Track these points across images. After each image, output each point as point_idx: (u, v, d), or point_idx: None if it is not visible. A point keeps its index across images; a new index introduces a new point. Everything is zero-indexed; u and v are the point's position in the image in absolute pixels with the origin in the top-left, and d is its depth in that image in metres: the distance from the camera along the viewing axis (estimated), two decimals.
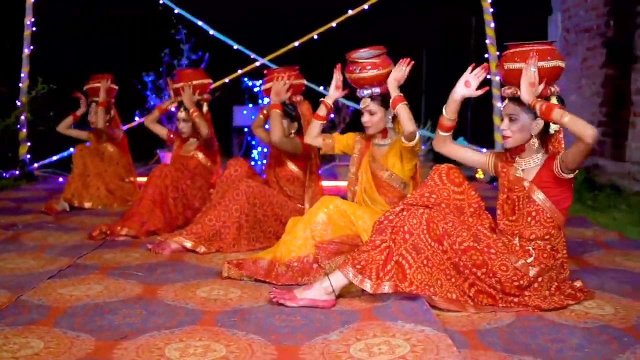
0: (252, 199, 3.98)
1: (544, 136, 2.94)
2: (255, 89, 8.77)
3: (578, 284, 3.01)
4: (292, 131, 4.22)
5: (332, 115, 8.05)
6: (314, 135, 3.80)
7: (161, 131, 5.22)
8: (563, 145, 2.96)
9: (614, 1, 6.46)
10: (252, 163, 8.64)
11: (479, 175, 7.19)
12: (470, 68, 2.96)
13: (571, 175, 2.77)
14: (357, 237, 3.40)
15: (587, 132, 2.57)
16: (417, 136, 3.35)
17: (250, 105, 9.01)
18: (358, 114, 7.92)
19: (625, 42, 6.21)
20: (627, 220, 4.92)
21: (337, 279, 2.85)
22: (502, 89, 2.94)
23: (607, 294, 3.04)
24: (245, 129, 9.54)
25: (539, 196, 2.83)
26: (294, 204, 4.22)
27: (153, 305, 2.84)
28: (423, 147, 7.79)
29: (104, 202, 5.61)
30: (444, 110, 3.04)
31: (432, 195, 2.92)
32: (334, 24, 7.53)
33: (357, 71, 3.48)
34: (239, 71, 7.75)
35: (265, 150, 8.56)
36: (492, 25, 7.33)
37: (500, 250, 2.81)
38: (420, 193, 2.93)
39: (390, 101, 3.40)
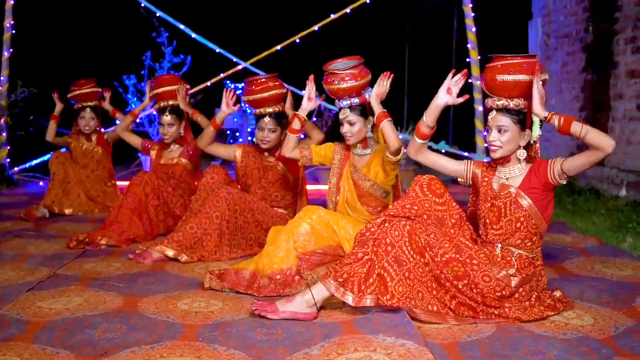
0: (233, 205, 3.97)
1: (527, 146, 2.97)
2: (238, 92, 8.74)
3: (557, 293, 3.04)
4: (283, 138, 4.23)
5: (314, 119, 8.07)
6: (290, 149, 3.80)
7: (135, 140, 5.16)
8: (539, 153, 3.01)
9: (593, 7, 6.52)
10: (233, 165, 8.62)
11: (461, 179, 7.20)
12: (450, 75, 2.97)
13: (564, 182, 2.81)
14: (339, 248, 3.41)
15: (609, 142, 2.64)
16: (402, 151, 3.36)
17: (233, 107, 8.96)
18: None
19: (604, 48, 6.27)
20: (606, 226, 4.97)
21: (319, 292, 2.85)
22: (490, 100, 2.95)
23: (586, 303, 3.07)
24: (228, 132, 9.55)
25: (525, 202, 2.86)
26: (275, 210, 4.21)
27: (134, 319, 2.82)
28: (404, 150, 7.80)
29: (85, 208, 5.57)
30: (424, 116, 3.05)
31: (414, 206, 2.93)
32: (316, 28, 7.53)
33: (336, 82, 3.48)
34: (221, 74, 7.72)
35: None
36: (474, 29, 7.37)
37: (482, 261, 2.83)
38: (402, 204, 2.94)
39: (374, 118, 3.41)
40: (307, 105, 3.72)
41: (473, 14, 7.38)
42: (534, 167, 2.89)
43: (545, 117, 2.76)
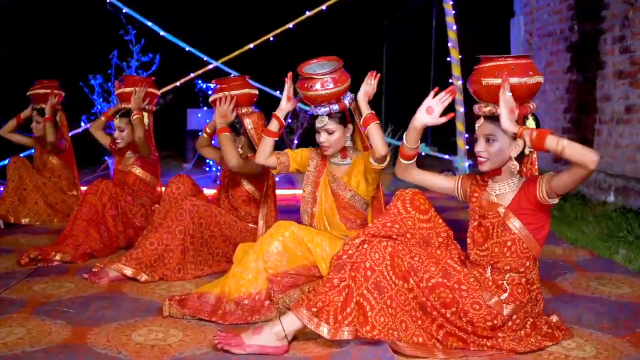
0: (198, 218, 3.64)
1: (519, 158, 2.68)
2: (210, 92, 8.41)
3: (554, 318, 2.76)
4: (240, 145, 3.87)
5: (289, 120, 7.74)
6: (266, 154, 3.38)
7: (104, 140, 4.81)
8: (536, 167, 2.70)
9: (578, 5, 6.28)
10: (207, 169, 8.29)
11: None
12: (432, 93, 2.66)
13: (556, 201, 2.50)
14: (314, 267, 3.10)
15: (590, 157, 2.27)
16: (388, 159, 3.06)
17: (205, 108, 8.66)
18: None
19: (590, 47, 6.03)
20: (596, 234, 4.72)
21: (291, 323, 2.53)
22: (477, 106, 2.65)
23: (585, 329, 2.79)
24: (200, 133, 9.19)
25: (515, 224, 2.56)
26: (244, 223, 3.89)
27: (80, 355, 2.49)
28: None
29: (43, 217, 5.21)
30: (404, 138, 2.75)
31: (395, 224, 2.63)
32: (291, 25, 7.20)
33: (313, 88, 3.13)
34: (191, 74, 7.36)
35: None
36: (455, 27, 7.10)
37: (472, 287, 2.54)
38: (382, 222, 2.63)
39: (361, 120, 3.10)
40: (286, 105, 3.33)
41: (454, 12, 7.10)
42: (525, 183, 2.59)
43: (515, 134, 2.45)
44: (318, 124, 3.21)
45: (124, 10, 7.20)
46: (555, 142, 2.33)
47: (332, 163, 3.37)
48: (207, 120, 8.62)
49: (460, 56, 7.10)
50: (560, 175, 2.42)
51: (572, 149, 2.31)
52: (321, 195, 3.37)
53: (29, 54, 8.50)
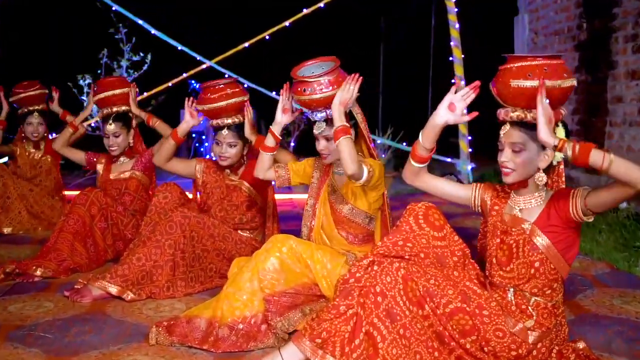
0: (189, 231, 3.36)
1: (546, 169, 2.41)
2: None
3: (581, 345, 2.49)
4: (245, 152, 3.64)
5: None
6: (265, 169, 3.21)
7: (77, 156, 4.47)
8: (564, 179, 2.43)
9: (587, 2, 6.02)
10: None
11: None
12: (453, 88, 2.39)
13: (591, 219, 2.23)
14: (314, 286, 2.84)
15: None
16: (365, 173, 2.79)
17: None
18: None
19: (601, 46, 5.78)
20: (611, 244, 4.46)
21: (292, 355, 2.27)
22: (503, 110, 2.37)
23: (617, 357, 2.53)
24: (194, 134, 8.90)
25: (542, 242, 2.30)
26: (239, 234, 3.61)
27: None
28: (383, 155, 7.27)
29: (26, 226, 4.93)
30: (420, 136, 2.48)
31: (408, 243, 2.36)
32: (287, 23, 6.91)
33: (308, 92, 2.86)
34: (184, 74, 7.07)
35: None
36: (457, 26, 6.84)
37: (494, 312, 2.27)
38: (393, 241, 2.36)
39: (332, 130, 2.81)
40: (282, 118, 3.10)
41: (456, 10, 6.84)
42: (555, 198, 2.32)
43: (555, 146, 2.16)
44: (316, 131, 2.96)
45: (113, 8, 6.91)
46: (601, 158, 2.04)
47: (334, 173, 3.11)
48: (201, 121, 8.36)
49: (462, 56, 6.83)
50: (599, 192, 2.15)
51: (622, 165, 2.03)
52: (320, 208, 3.11)
53: (29, 54, 8.22)
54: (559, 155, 2.35)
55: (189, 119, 3.63)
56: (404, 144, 7.24)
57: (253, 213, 3.66)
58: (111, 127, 4.13)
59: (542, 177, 2.33)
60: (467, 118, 2.38)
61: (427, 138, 2.44)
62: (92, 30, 7.74)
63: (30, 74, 5.36)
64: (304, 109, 3.06)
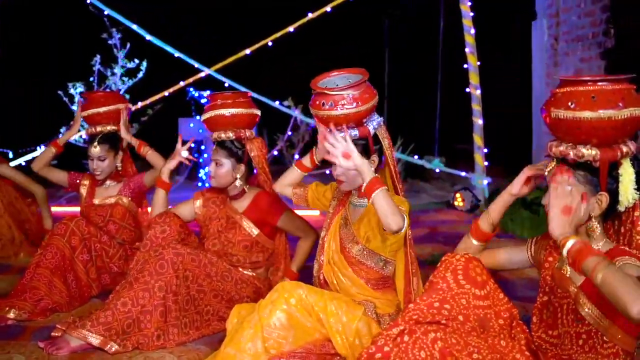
0: (183, 270, 2.93)
1: (608, 216, 2.00)
2: (203, 100, 7.77)
3: None
4: (238, 175, 3.22)
5: (289, 133, 7.08)
6: (285, 184, 2.94)
7: (59, 176, 3.94)
8: (639, 229, 2.00)
9: (614, 7, 5.60)
10: (199, 184, 7.63)
11: (458, 203, 6.26)
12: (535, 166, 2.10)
13: None
14: (327, 343, 2.41)
15: (631, 302, 1.61)
16: (405, 223, 2.36)
17: (198, 117, 7.99)
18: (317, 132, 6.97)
19: (629, 54, 5.36)
20: None
21: None
22: (550, 143, 1.97)
23: None
24: (193, 145, 8.52)
25: (589, 312, 1.89)
26: (239, 272, 3.18)
27: None
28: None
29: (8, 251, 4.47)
30: (488, 211, 2.15)
31: (445, 304, 1.94)
32: (291, 29, 6.49)
33: (326, 107, 2.47)
34: (181, 83, 6.66)
35: None
36: (473, 31, 6.40)
37: None
38: (428, 302, 1.95)
39: (363, 186, 2.35)
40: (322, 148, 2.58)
41: (472, 14, 6.40)
42: (613, 253, 1.90)
43: (557, 240, 1.81)
44: None
45: (105, 12, 6.50)
46: (592, 266, 1.70)
47: (350, 204, 2.70)
48: (200, 130, 7.96)
49: (479, 62, 6.40)
50: None
51: (610, 284, 1.67)
52: (329, 241, 2.69)
53: (29, 54, 7.85)
54: (628, 199, 1.94)
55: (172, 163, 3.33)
56: (415, 156, 6.83)
57: (253, 253, 3.25)
58: (96, 150, 3.68)
59: (596, 227, 1.95)
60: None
61: (495, 212, 2.17)
62: (85, 35, 7.37)
63: (44, 74, 4.94)
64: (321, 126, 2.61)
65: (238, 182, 3.21)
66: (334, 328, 2.39)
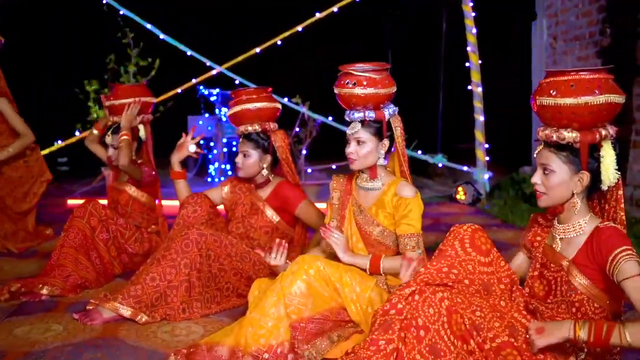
0: (206, 250, 3.16)
1: (593, 193, 2.23)
2: (212, 98, 7.97)
3: None
4: (265, 165, 3.45)
5: (297, 129, 7.29)
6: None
7: (101, 152, 4.30)
8: (622, 206, 2.24)
9: (610, 7, 5.83)
10: (209, 180, 7.84)
11: (460, 196, 6.48)
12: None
13: None
14: (343, 311, 2.64)
15: None
16: (419, 252, 2.75)
17: (207, 115, 8.19)
18: (325, 128, 7.17)
19: (625, 52, 5.58)
20: None
21: None
22: (538, 128, 2.21)
23: None
24: (202, 141, 8.72)
25: (582, 282, 2.13)
26: (257, 255, 3.39)
27: None
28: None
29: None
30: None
31: (453, 269, 2.17)
32: (299, 28, 6.73)
33: (350, 85, 2.72)
34: (193, 80, 6.89)
35: (224, 166, 7.76)
36: (474, 31, 6.63)
37: (545, 348, 2.07)
38: (438, 267, 2.17)
39: (367, 267, 2.76)
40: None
41: (474, 14, 6.64)
42: (596, 235, 2.13)
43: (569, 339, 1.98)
44: (349, 131, 2.80)
45: (121, 12, 6.74)
46: (619, 337, 1.90)
47: (358, 187, 2.92)
48: (209, 128, 8.18)
49: (480, 61, 6.63)
50: (631, 298, 1.99)
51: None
52: (347, 229, 2.91)
53: (28, 54, 8.05)
54: (609, 179, 2.17)
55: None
56: (419, 152, 7.05)
57: (273, 239, 3.46)
58: (109, 139, 4.00)
59: (576, 203, 2.17)
60: None
61: None
62: (99, 34, 7.57)
63: (45, 74, 5.15)
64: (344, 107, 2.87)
65: (265, 172, 3.45)
66: (349, 297, 2.62)
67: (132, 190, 4.01)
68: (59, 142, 6.84)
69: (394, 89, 2.79)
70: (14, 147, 4.53)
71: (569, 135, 2.11)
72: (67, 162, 8.53)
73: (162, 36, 6.67)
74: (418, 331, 2.02)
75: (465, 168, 6.95)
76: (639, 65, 5.42)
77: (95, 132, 4.34)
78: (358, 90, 2.70)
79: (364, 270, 2.74)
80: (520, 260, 2.47)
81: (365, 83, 2.70)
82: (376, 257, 2.74)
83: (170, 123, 8.20)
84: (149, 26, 6.68)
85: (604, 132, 2.14)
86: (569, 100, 2.07)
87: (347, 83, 2.72)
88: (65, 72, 7.25)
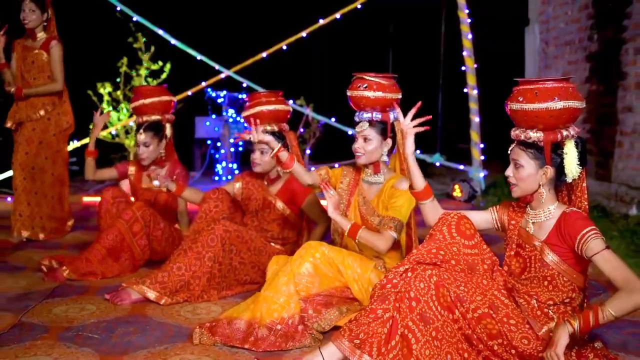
0: (229, 245, 3.49)
1: (560, 185, 2.58)
2: (219, 100, 8.31)
3: (599, 345, 2.65)
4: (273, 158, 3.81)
5: (301, 130, 7.66)
6: (305, 181, 3.31)
7: (110, 174, 4.47)
8: (586, 196, 2.59)
9: (598, 14, 6.18)
10: (216, 178, 8.16)
11: (456, 193, 6.83)
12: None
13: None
14: (346, 289, 3.02)
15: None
16: (395, 234, 3.05)
17: (214, 117, 8.53)
18: (328, 128, 7.50)
19: (611, 58, 5.94)
20: (623, 251, 4.61)
21: (332, 354, 2.44)
22: (512, 129, 2.57)
23: (633, 357, 2.69)
24: (209, 141, 9.05)
25: (552, 259, 2.48)
26: (272, 246, 3.76)
27: None
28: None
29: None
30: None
31: (440, 251, 2.52)
32: (304, 34, 7.10)
33: (362, 88, 3.11)
34: (203, 83, 7.26)
35: (231, 165, 8.08)
36: (470, 36, 7.00)
37: (520, 321, 2.43)
38: (427, 249, 2.52)
39: (345, 232, 3.06)
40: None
41: (469, 20, 7.00)
42: (563, 219, 2.48)
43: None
44: (357, 129, 3.18)
45: (134, 19, 7.10)
46: (601, 317, 2.29)
47: (364, 181, 3.28)
48: (216, 129, 8.51)
49: (475, 65, 6.99)
50: (604, 271, 2.36)
51: (618, 311, 2.28)
52: (351, 216, 3.27)
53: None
54: (572, 172, 2.50)
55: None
56: (418, 151, 7.41)
57: (285, 229, 3.83)
58: (141, 136, 4.21)
59: (542, 193, 2.51)
60: None
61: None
62: (112, 39, 7.89)
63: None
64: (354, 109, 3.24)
65: (278, 168, 3.79)
66: (351, 277, 2.99)
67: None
68: (75, 141, 7.18)
69: (399, 95, 3.17)
70: (42, 88, 4.81)
71: (534, 135, 2.46)
72: (77, 161, 8.87)
73: (173, 41, 7.03)
74: (410, 302, 2.38)
75: (461, 167, 7.31)
76: (624, 70, 5.77)
77: (90, 162, 4.36)
78: (368, 93, 3.09)
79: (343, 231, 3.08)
80: (481, 217, 2.77)
81: (375, 87, 3.09)
82: (357, 225, 3.05)
83: (178, 124, 8.54)
84: (160, 32, 7.03)
85: (565, 133, 2.49)
86: (532, 106, 2.42)
87: (359, 86, 3.11)
88: (78, 75, 7.54)
